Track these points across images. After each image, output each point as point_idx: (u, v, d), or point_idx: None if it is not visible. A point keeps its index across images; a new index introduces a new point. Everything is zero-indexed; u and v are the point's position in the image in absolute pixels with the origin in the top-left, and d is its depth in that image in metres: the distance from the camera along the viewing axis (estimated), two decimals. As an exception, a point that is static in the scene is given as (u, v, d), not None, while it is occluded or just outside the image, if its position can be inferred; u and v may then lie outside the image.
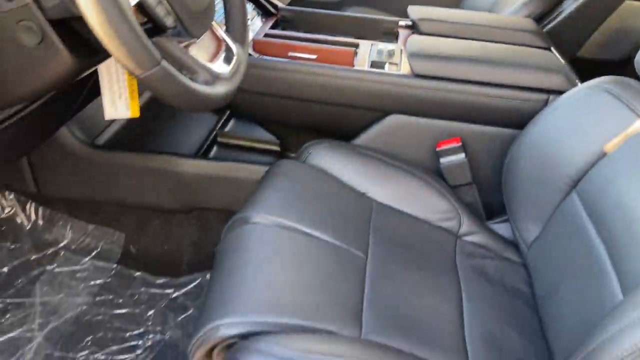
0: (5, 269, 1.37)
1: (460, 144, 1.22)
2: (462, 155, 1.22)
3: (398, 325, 0.88)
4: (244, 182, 1.35)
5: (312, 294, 0.87)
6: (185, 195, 1.40)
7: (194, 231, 1.46)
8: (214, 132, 1.62)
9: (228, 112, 1.71)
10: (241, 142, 1.59)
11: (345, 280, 0.93)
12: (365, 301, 0.91)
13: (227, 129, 1.66)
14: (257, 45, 1.32)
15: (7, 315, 1.28)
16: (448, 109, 1.23)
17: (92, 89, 1.10)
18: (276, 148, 1.57)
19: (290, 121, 1.35)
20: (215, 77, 0.77)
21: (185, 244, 1.45)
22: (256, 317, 0.80)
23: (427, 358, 0.81)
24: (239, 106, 1.35)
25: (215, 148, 1.57)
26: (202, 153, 1.52)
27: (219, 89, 0.77)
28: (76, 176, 1.40)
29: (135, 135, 1.48)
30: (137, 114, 1.05)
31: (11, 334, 1.24)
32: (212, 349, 0.81)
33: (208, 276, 1.40)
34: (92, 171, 1.38)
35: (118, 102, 1.02)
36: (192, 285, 1.38)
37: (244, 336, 0.79)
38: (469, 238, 1.15)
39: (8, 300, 1.31)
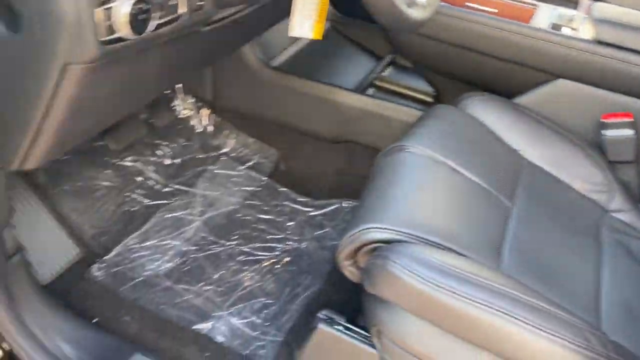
0: (178, 160, 1.59)
1: (632, 119, 1.18)
2: (631, 132, 1.18)
3: (535, 269, 0.91)
4: (395, 122, 1.43)
5: (456, 221, 0.93)
6: (339, 126, 1.51)
7: (340, 161, 1.57)
8: (372, 75, 1.70)
9: (388, 58, 1.77)
10: (396, 88, 1.66)
11: (489, 218, 0.98)
12: (507, 241, 0.95)
13: (384, 74, 1.73)
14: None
15: (175, 199, 1.49)
16: (623, 81, 1.19)
17: (282, 9, 1.21)
18: (429, 99, 1.61)
19: (453, 71, 1.38)
20: (413, 3, 0.84)
21: (330, 171, 1.57)
22: (404, 229, 0.88)
23: (562, 306, 0.83)
24: (407, 46, 1.40)
25: (371, 90, 1.65)
26: (359, 91, 1.61)
27: (416, 14, 0.83)
28: (248, 92, 1.57)
29: (305, 65, 1.60)
30: (319, 37, 1.15)
31: (176, 214, 1.45)
32: (358, 249, 0.91)
33: (345, 204, 1.51)
34: (263, 89, 1.53)
35: (305, 22, 1.13)
36: (330, 208, 1.50)
37: (389, 242, 0.87)
38: (618, 215, 1.13)
39: (177, 187, 1.53)
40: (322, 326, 1.01)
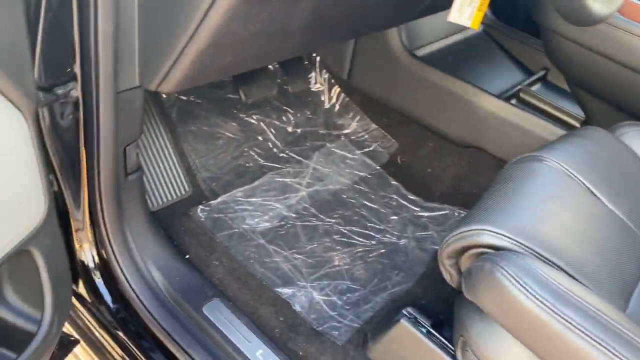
0: (299, 130, 1.60)
1: None
2: None
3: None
4: (534, 137, 1.31)
5: (583, 248, 0.81)
6: (470, 129, 1.42)
7: (461, 166, 1.47)
8: (518, 87, 1.58)
9: (540, 73, 1.64)
10: (542, 105, 1.52)
11: (623, 255, 0.84)
12: None
13: (532, 88, 1.60)
14: (627, 8, 1.21)
15: (288, 165, 1.50)
16: None
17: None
18: (577, 124, 1.46)
19: (613, 95, 1.23)
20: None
21: (448, 175, 1.49)
22: (522, 239, 0.78)
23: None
24: (565, 60, 1.28)
25: (513, 101, 1.54)
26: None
27: (598, 8, 0.74)
28: (384, 77, 1.53)
29: (448, 62, 1.53)
30: (476, 27, 1.08)
31: (286, 179, 1.46)
32: (465, 250, 0.83)
33: (457, 212, 1.41)
34: (400, 77, 1.49)
35: (466, 9, 1.06)
36: (439, 213, 1.42)
37: (501, 249, 0.79)
38: None
39: (292, 154, 1.54)
40: (404, 322, 0.95)
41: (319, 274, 1.22)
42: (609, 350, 0.65)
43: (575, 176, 0.93)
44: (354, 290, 1.19)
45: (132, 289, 1.07)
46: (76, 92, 0.88)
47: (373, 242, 1.33)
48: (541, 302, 0.69)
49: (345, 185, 1.48)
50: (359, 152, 1.60)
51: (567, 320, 0.67)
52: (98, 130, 0.92)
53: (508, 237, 0.79)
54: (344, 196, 1.45)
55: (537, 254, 0.77)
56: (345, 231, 1.34)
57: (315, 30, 1.03)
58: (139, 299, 1.08)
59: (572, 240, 0.82)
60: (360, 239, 1.33)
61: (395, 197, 1.48)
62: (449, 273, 0.87)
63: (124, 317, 1.10)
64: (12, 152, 0.68)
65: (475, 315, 0.82)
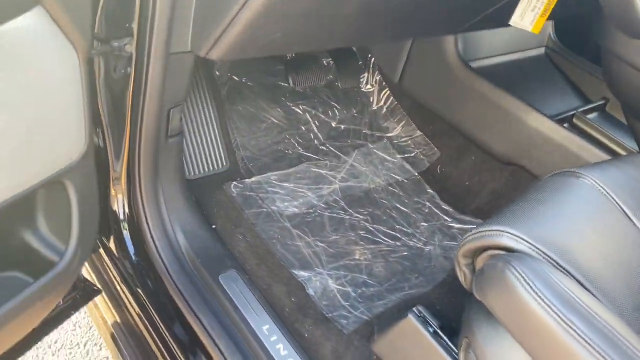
0: (343, 127, 1.62)
1: None
2: None
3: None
4: (578, 160, 1.26)
5: (604, 265, 0.78)
6: (515, 146, 1.39)
7: (500, 182, 1.44)
8: (573, 112, 1.53)
9: (599, 102, 1.59)
10: (596, 134, 1.47)
11: (650, 284, 0.80)
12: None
13: (587, 115, 1.55)
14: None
15: (326, 158, 1.52)
16: None
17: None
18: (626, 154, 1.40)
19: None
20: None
21: (486, 190, 1.46)
22: (540, 245, 0.76)
23: None
24: (624, 88, 1.23)
25: (565, 125, 1.49)
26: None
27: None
28: (436, 84, 1.53)
29: (503, 78, 1.51)
30: (537, 31, 1.06)
31: (321, 171, 1.47)
32: (482, 250, 0.81)
33: (488, 228, 1.38)
34: (451, 87, 1.48)
35: (529, 13, 1.05)
36: (470, 226, 1.39)
37: (515, 252, 0.77)
38: None
39: (332, 149, 1.55)
40: (412, 317, 0.94)
41: (337, 264, 1.22)
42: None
43: (611, 196, 0.90)
44: (370, 285, 1.19)
45: (155, 246, 1.11)
46: (130, 47, 0.93)
47: (398, 244, 1.32)
48: (548, 305, 0.67)
49: (379, 186, 1.48)
50: (399, 156, 1.60)
51: (571, 328, 0.65)
52: (145, 88, 0.96)
53: (526, 242, 0.77)
54: (376, 195, 1.45)
55: (553, 262, 0.75)
56: (372, 228, 1.34)
57: (366, 23, 1.05)
58: (160, 256, 1.12)
59: (593, 255, 0.79)
60: (386, 239, 1.32)
61: (429, 204, 1.46)
62: (463, 273, 0.85)
63: (143, 273, 1.14)
64: (60, 83, 0.73)
65: (482, 318, 0.80)
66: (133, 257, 1.14)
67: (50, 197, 0.87)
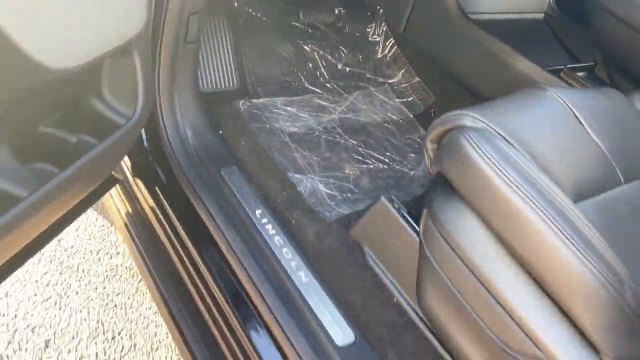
0: (348, 69, 1.75)
1: None
2: None
3: (609, 231, 0.84)
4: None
5: (553, 151, 0.90)
6: (504, 89, 1.50)
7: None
8: (562, 67, 1.64)
9: (590, 64, 1.69)
10: (578, 86, 1.58)
11: (592, 174, 0.92)
12: (596, 201, 0.89)
13: (578, 74, 1.65)
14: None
15: (329, 94, 1.65)
16: None
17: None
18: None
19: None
20: None
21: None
22: (497, 126, 0.88)
23: (616, 255, 0.77)
24: (616, 44, 1.34)
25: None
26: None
27: None
28: (436, 33, 1.65)
29: (499, 31, 1.61)
30: None
31: (323, 103, 1.60)
32: (447, 132, 0.93)
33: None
34: (450, 35, 1.60)
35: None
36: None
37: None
38: None
39: (336, 87, 1.68)
40: (384, 200, 1.06)
41: (328, 174, 1.35)
42: (545, 215, 0.73)
43: (570, 108, 1.01)
44: (356, 193, 1.32)
45: (169, 143, 1.24)
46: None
47: (385, 167, 1.45)
48: (493, 164, 0.79)
49: (376, 122, 1.61)
50: (398, 100, 1.72)
51: (518, 187, 0.76)
52: (170, -10, 1.10)
53: (484, 122, 0.89)
54: (372, 129, 1.58)
55: (507, 140, 0.87)
56: (364, 153, 1.47)
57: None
58: (173, 152, 1.25)
59: (544, 144, 0.91)
60: (375, 162, 1.45)
61: (420, 141, 1.59)
62: (429, 158, 0.98)
63: (156, 167, 1.28)
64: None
65: (440, 190, 0.92)
66: (149, 153, 1.28)
67: (113, 69, 0.96)
